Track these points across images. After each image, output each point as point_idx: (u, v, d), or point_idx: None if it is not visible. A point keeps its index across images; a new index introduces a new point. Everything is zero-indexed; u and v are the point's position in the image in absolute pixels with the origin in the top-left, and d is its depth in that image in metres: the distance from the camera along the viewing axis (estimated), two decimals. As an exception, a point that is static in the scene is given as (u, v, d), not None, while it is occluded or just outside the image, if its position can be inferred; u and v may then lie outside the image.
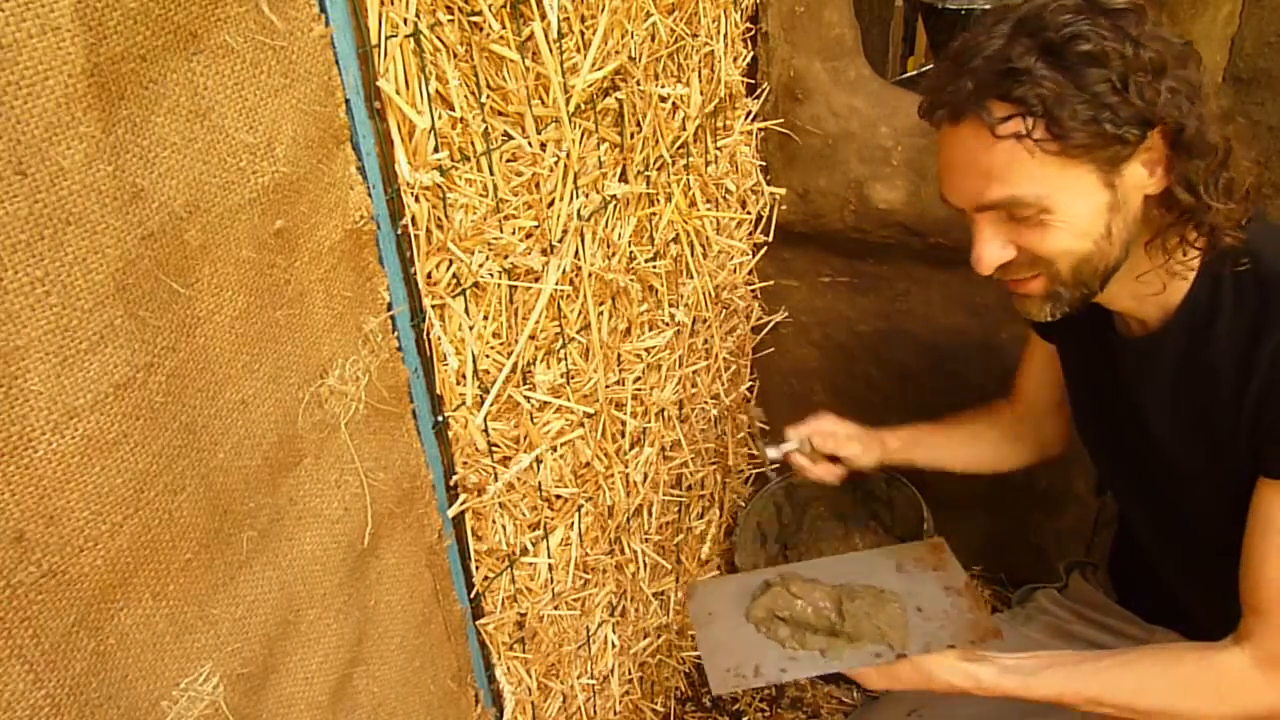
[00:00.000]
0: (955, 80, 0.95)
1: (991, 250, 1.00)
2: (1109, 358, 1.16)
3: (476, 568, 1.24)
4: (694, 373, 1.66)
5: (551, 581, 1.39)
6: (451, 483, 1.15)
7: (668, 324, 1.51)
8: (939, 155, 1.02)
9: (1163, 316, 1.06)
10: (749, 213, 1.74)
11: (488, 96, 1.03)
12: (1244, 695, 1.02)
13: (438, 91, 0.96)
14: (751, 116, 1.67)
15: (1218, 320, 1.01)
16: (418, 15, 0.90)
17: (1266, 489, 1.00)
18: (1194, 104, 0.92)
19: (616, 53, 1.20)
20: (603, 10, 1.15)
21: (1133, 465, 1.22)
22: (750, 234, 1.76)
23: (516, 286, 1.15)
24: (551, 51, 1.06)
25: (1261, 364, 0.97)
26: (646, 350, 1.47)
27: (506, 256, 1.11)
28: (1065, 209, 0.95)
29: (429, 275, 1.03)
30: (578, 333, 1.29)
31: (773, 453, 1.50)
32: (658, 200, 1.41)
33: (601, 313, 1.32)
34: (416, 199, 0.97)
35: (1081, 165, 0.93)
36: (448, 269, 1.05)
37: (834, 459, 1.50)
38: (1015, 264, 1.01)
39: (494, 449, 1.20)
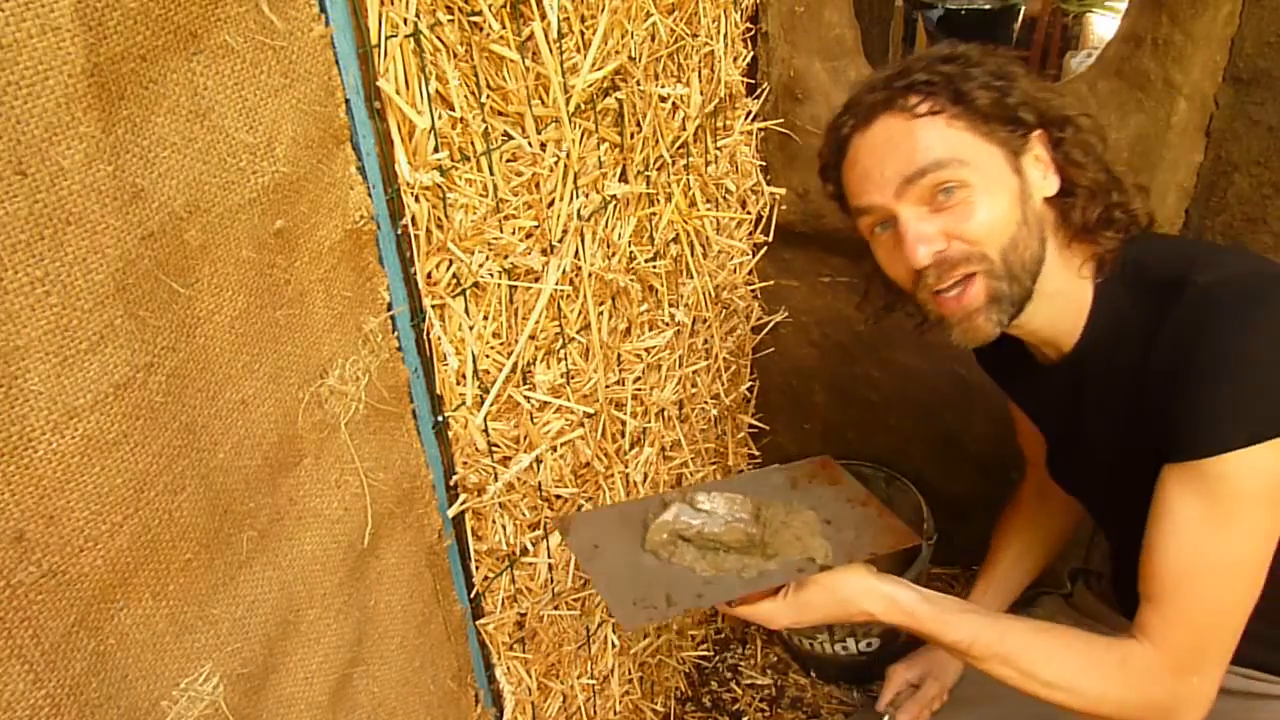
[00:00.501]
0: (857, 102, 1.06)
1: (923, 229, 1.01)
2: (1040, 390, 1.21)
3: (476, 568, 1.24)
4: (694, 373, 1.66)
5: (551, 581, 1.39)
6: (451, 483, 1.15)
7: (668, 324, 1.51)
8: (852, 169, 1.07)
9: (1074, 337, 1.10)
10: (749, 213, 1.74)
11: (488, 96, 1.03)
12: (1145, 685, 1.02)
13: (438, 91, 0.96)
14: (751, 116, 1.67)
15: (1123, 327, 1.05)
16: (418, 15, 0.90)
17: (1166, 474, 1.00)
18: (1075, 119, 1.05)
19: (616, 53, 1.20)
20: (603, 10, 1.15)
21: (1092, 490, 1.24)
22: (750, 234, 1.76)
23: (516, 286, 1.15)
24: (551, 51, 1.06)
25: (1159, 353, 1.00)
26: (646, 350, 1.47)
27: (506, 256, 1.11)
28: (983, 181, 1.01)
29: (429, 275, 1.03)
30: (578, 333, 1.29)
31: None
32: (658, 200, 1.41)
33: (601, 313, 1.32)
34: (416, 199, 0.97)
35: (990, 143, 1.02)
36: (448, 269, 1.05)
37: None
38: (949, 259, 1.02)
39: (494, 449, 1.20)
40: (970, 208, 1.00)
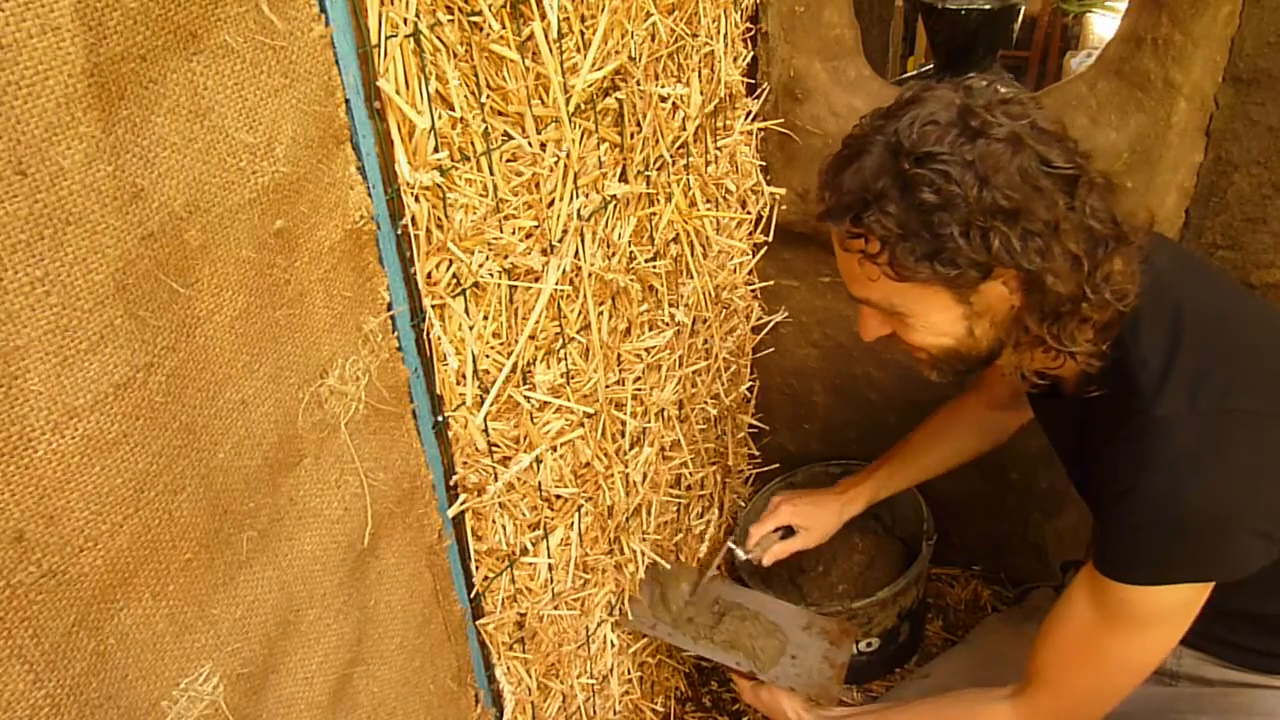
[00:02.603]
0: (834, 180, 1.00)
1: (870, 326, 1.10)
2: (1041, 399, 1.23)
3: (476, 568, 1.24)
4: (694, 373, 1.66)
5: (551, 581, 1.39)
6: (451, 483, 1.15)
7: (668, 324, 1.51)
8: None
9: (1071, 383, 1.11)
10: (749, 213, 1.74)
11: (488, 96, 1.03)
12: None
13: (438, 91, 0.96)
14: (751, 116, 1.67)
15: (1095, 404, 1.06)
16: (418, 15, 0.90)
17: (1083, 569, 1.07)
18: (1047, 251, 0.93)
19: (616, 53, 1.20)
20: (603, 10, 1.15)
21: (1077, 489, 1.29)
22: (750, 234, 1.76)
23: (516, 286, 1.15)
24: (551, 51, 1.06)
25: (1102, 460, 1.04)
26: (646, 350, 1.47)
27: (506, 256, 1.11)
28: (918, 316, 1.02)
29: (429, 275, 1.03)
30: (578, 333, 1.29)
31: (741, 554, 1.66)
32: (658, 200, 1.41)
33: (601, 313, 1.32)
34: (416, 199, 0.97)
35: (927, 287, 0.98)
36: (448, 269, 1.05)
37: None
38: (896, 339, 1.09)
39: (494, 449, 1.20)
40: (908, 328, 1.05)
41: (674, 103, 1.39)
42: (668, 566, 1.66)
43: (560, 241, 1.19)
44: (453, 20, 0.96)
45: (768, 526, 1.62)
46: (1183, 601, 1.01)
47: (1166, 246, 1.12)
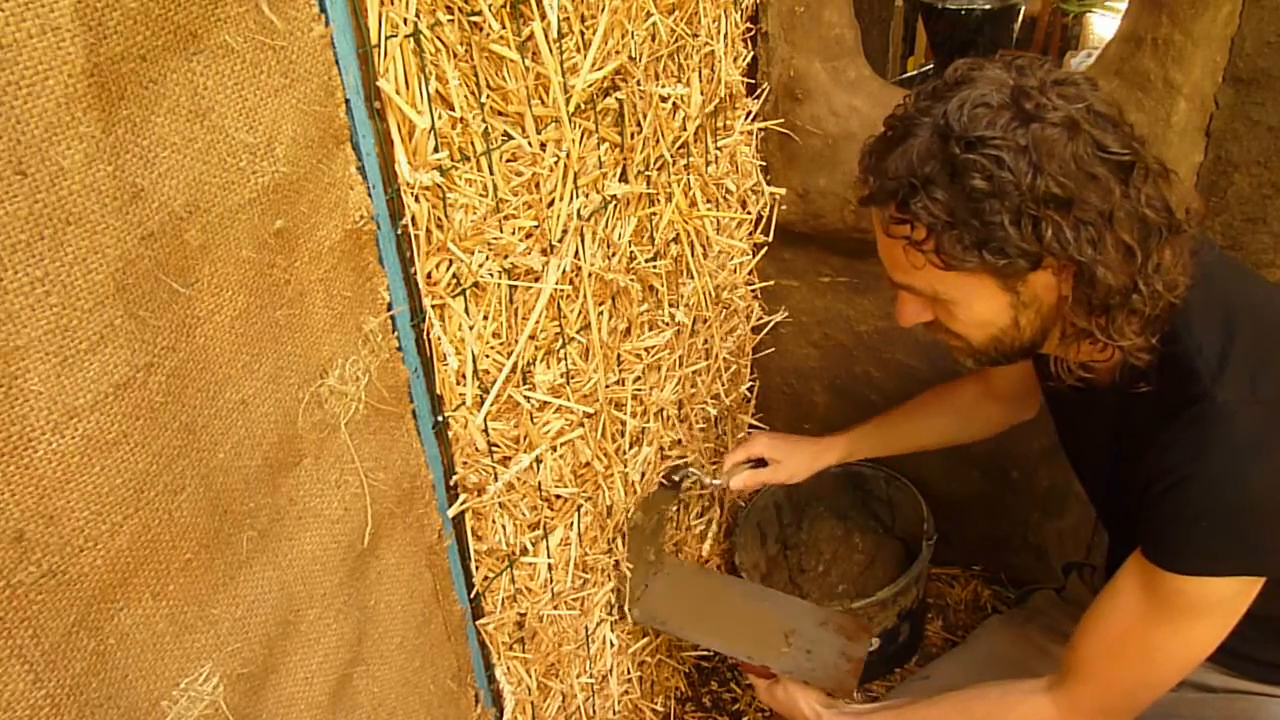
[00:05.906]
0: (879, 164, 0.97)
1: (908, 311, 1.06)
2: (1060, 391, 1.20)
3: (476, 568, 1.24)
4: (694, 373, 1.66)
5: (551, 581, 1.39)
6: (451, 483, 1.15)
7: (668, 324, 1.51)
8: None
9: (1099, 378, 1.07)
10: (749, 213, 1.74)
11: (488, 96, 1.03)
12: None
13: (438, 91, 0.96)
14: (751, 116, 1.67)
15: (1142, 392, 1.03)
16: (418, 15, 0.90)
17: (1132, 556, 1.04)
18: (1100, 241, 0.91)
19: (616, 53, 1.20)
20: (603, 10, 1.15)
21: (1093, 484, 1.28)
22: (750, 234, 1.76)
23: (516, 286, 1.15)
24: (551, 51, 1.06)
25: (1155, 448, 1.00)
26: (646, 350, 1.47)
27: (506, 256, 1.11)
28: (962, 305, 0.99)
29: (429, 275, 1.03)
30: (578, 333, 1.29)
31: (707, 480, 1.61)
32: (658, 200, 1.41)
33: (601, 313, 1.32)
34: (416, 199, 0.97)
35: (974, 275, 0.95)
36: (448, 269, 1.05)
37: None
38: (936, 325, 1.06)
39: (494, 449, 1.20)
40: (951, 316, 1.02)
41: (674, 103, 1.39)
42: (662, 559, 1.65)
43: (560, 241, 1.19)
44: (453, 20, 0.96)
45: (740, 455, 1.59)
46: (1235, 593, 0.98)
47: (1210, 243, 1.10)
